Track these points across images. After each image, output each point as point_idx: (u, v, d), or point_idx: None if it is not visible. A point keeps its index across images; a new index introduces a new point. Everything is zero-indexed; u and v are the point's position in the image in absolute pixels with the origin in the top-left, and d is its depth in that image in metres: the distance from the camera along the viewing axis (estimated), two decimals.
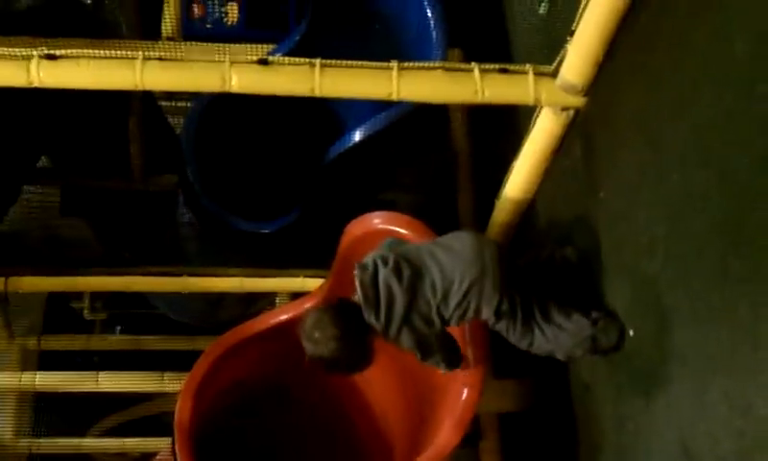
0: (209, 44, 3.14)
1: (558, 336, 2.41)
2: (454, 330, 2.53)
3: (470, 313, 2.36)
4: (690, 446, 1.96)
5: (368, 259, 2.39)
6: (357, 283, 2.35)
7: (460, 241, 2.40)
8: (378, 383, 3.19)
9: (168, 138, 4.27)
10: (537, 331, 2.42)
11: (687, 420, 1.98)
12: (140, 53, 2.21)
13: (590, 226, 2.54)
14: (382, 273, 2.34)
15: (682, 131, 1.97)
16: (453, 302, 2.32)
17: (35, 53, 2.19)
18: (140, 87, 2.22)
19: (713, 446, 1.86)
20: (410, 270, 2.33)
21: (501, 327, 2.43)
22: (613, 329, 2.34)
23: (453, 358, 2.52)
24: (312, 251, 3.40)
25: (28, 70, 2.20)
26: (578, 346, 2.41)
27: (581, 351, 2.42)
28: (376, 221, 2.86)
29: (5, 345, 4.76)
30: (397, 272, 2.33)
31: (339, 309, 2.39)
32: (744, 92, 1.72)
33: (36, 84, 2.20)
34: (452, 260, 2.34)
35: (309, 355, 2.43)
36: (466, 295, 2.31)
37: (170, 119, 4.65)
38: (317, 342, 2.38)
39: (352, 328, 2.37)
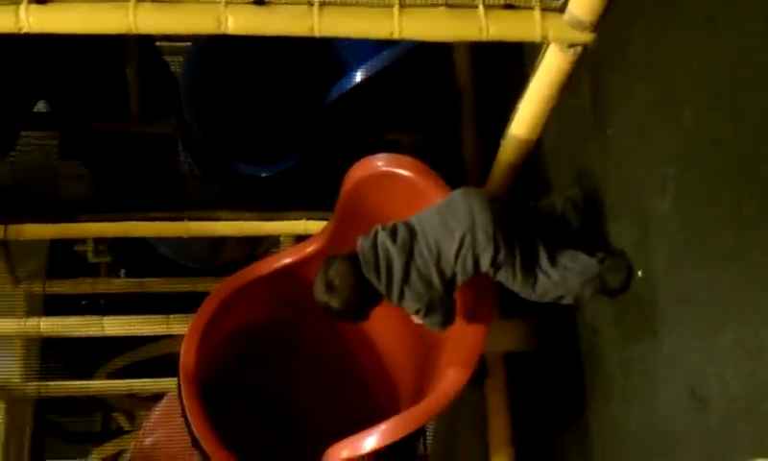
0: None
1: (565, 278, 2.39)
2: None
3: (469, 267, 2.35)
4: (699, 388, 1.95)
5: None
6: (358, 250, 2.40)
7: (450, 198, 2.44)
8: (383, 327, 3.18)
9: (166, 80, 4.21)
10: (541, 277, 2.39)
11: (696, 362, 1.96)
12: None
13: (598, 165, 2.49)
14: (380, 236, 2.39)
15: (694, 67, 1.91)
16: (449, 256, 2.33)
17: None
18: (133, 31, 2.15)
19: (723, 388, 1.85)
20: (405, 231, 2.38)
21: (502, 277, 2.41)
22: (622, 268, 2.31)
23: (449, 320, 2.51)
24: (315, 193, 3.37)
25: (17, 15, 2.13)
26: (586, 286, 2.38)
27: (589, 291, 2.40)
28: (379, 163, 2.82)
29: (9, 290, 4.77)
30: (393, 234, 2.38)
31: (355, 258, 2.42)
32: (760, 25, 1.66)
33: (25, 30, 2.13)
34: (443, 217, 2.38)
35: (320, 300, 2.47)
36: (459, 248, 2.32)
37: (168, 59, 4.57)
38: (334, 289, 2.42)
39: (367, 285, 2.41)
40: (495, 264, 2.35)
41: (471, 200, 2.36)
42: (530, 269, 2.38)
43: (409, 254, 2.36)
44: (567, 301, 2.45)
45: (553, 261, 2.38)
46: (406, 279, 2.37)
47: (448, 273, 2.36)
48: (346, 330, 3.26)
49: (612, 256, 2.35)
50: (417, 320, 2.51)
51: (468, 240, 2.31)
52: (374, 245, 2.39)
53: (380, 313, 3.00)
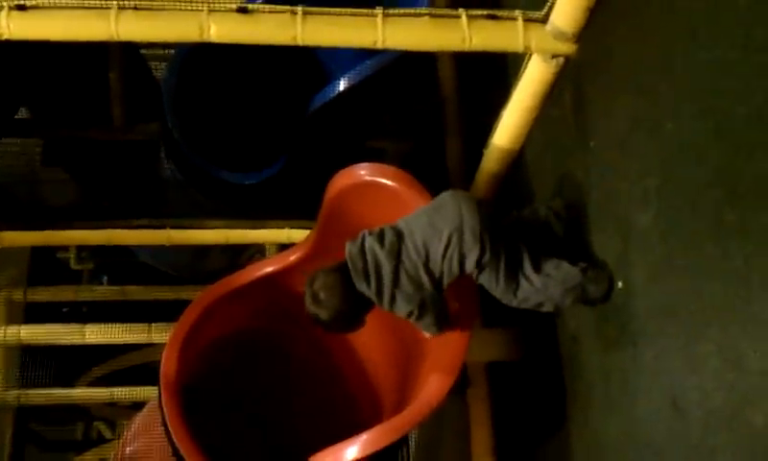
0: None
1: (547, 285, 2.39)
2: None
3: (455, 267, 2.34)
4: (679, 399, 1.95)
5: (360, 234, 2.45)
6: (346, 256, 2.38)
7: (438, 199, 2.43)
8: (367, 335, 3.15)
9: (149, 87, 4.18)
10: (524, 282, 2.39)
11: (677, 373, 1.97)
12: (114, 2, 2.12)
13: (581, 176, 2.50)
14: (367, 241, 2.38)
15: (676, 79, 1.92)
16: (437, 256, 2.33)
17: (4, 3, 2.10)
18: (115, 38, 2.14)
19: (703, 399, 1.85)
20: (393, 234, 2.37)
21: (484, 279, 2.40)
22: (603, 279, 2.32)
23: (443, 321, 2.51)
24: (298, 202, 3.36)
25: None
26: (567, 294, 2.39)
27: (570, 300, 2.40)
28: (362, 172, 2.81)
29: None
30: (380, 238, 2.37)
31: (347, 273, 2.40)
32: (741, 39, 1.67)
33: (6, 37, 2.12)
34: (431, 217, 2.37)
35: (308, 312, 2.47)
36: (447, 247, 2.31)
37: (151, 65, 4.55)
38: (320, 302, 2.42)
39: (356, 294, 2.40)
40: (480, 265, 2.34)
41: (460, 201, 2.37)
42: (513, 273, 2.38)
43: (397, 257, 2.35)
44: (547, 308, 2.45)
45: (536, 268, 2.38)
46: (396, 282, 2.36)
47: (437, 273, 2.36)
48: (329, 339, 3.25)
49: (593, 267, 2.36)
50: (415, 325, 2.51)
51: (455, 239, 2.31)
52: (362, 250, 2.38)
53: (366, 321, 3.01)
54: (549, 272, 2.38)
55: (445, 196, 2.42)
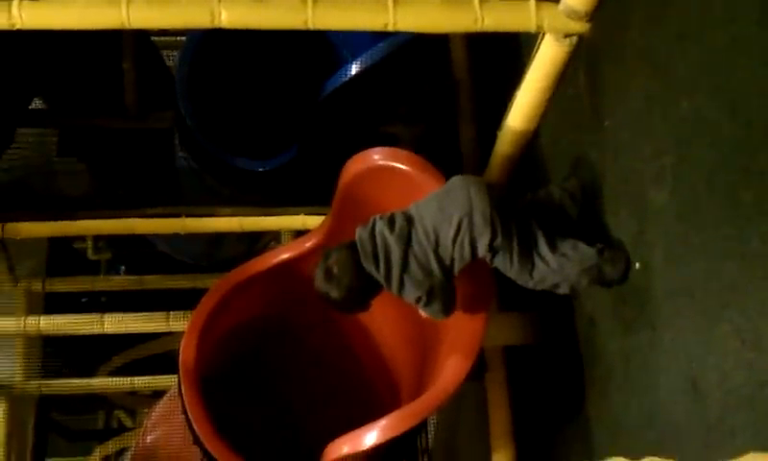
0: None
1: (563, 265, 2.37)
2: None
3: (467, 252, 2.33)
4: (699, 380, 1.94)
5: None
6: (357, 240, 2.39)
7: (448, 184, 2.43)
8: (383, 321, 3.17)
9: (162, 75, 4.19)
10: (539, 263, 2.37)
11: (696, 354, 1.95)
12: None
13: (595, 156, 2.48)
14: (377, 226, 2.38)
15: (691, 57, 1.89)
16: (447, 242, 2.32)
17: None
18: (127, 26, 2.14)
19: (722, 379, 1.84)
20: (403, 219, 2.37)
21: (499, 262, 2.39)
22: (620, 259, 2.30)
23: (450, 308, 2.50)
24: (312, 188, 3.35)
25: (9, 11, 2.12)
26: (583, 275, 2.37)
27: (586, 281, 2.38)
28: (376, 157, 2.80)
29: (9, 289, 4.76)
30: (390, 223, 2.37)
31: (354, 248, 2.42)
32: (756, 14, 1.65)
33: (18, 26, 2.13)
34: (440, 202, 2.37)
35: (320, 290, 2.47)
36: (457, 232, 2.31)
37: (164, 53, 4.56)
38: (333, 277, 2.43)
39: (367, 274, 2.40)
40: (493, 248, 2.33)
41: (470, 185, 2.35)
42: (527, 254, 2.36)
43: (407, 242, 2.35)
44: (563, 290, 2.43)
45: (551, 248, 2.37)
46: (405, 267, 2.35)
47: (447, 259, 2.35)
48: (346, 325, 3.25)
49: (610, 248, 2.34)
50: (421, 312, 2.50)
51: (465, 224, 2.30)
52: (372, 235, 2.38)
53: (380, 307, 3.00)
54: (565, 252, 2.37)
55: (455, 181, 2.42)
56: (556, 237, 2.39)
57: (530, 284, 2.43)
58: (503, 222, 2.31)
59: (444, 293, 2.42)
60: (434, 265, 2.35)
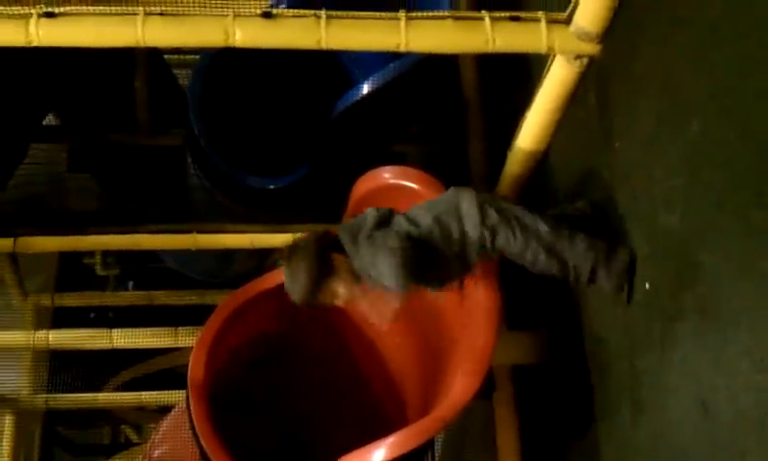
0: None
1: (563, 242, 2.37)
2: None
3: (456, 239, 2.33)
4: (709, 401, 1.94)
5: None
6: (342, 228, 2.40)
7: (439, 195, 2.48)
8: (392, 339, 3.18)
9: (175, 93, 4.22)
10: (541, 233, 2.36)
11: (706, 375, 1.95)
12: (141, 8, 2.15)
13: (605, 177, 2.49)
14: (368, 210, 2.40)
15: (701, 79, 1.91)
16: (424, 223, 2.33)
17: (33, 11, 2.14)
18: (142, 44, 2.16)
19: (732, 400, 1.84)
20: (388, 210, 2.39)
21: (501, 241, 2.36)
22: (624, 253, 2.31)
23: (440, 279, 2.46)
24: (323, 206, 3.37)
25: (27, 29, 2.14)
26: (586, 256, 2.36)
27: (589, 264, 2.36)
28: (386, 175, 2.83)
29: (19, 303, 4.78)
30: (377, 209, 2.39)
31: (319, 237, 2.39)
32: (766, 37, 1.66)
33: (35, 44, 2.15)
34: (429, 204, 2.44)
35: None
36: (439, 221, 2.32)
37: (176, 72, 4.59)
38: (287, 260, 2.39)
39: (320, 260, 2.34)
40: (487, 226, 2.33)
41: (458, 190, 2.42)
42: (528, 227, 2.36)
43: (385, 221, 2.35)
44: (566, 272, 2.40)
45: (552, 226, 2.37)
46: (374, 232, 2.33)
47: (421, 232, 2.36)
48: (355, 341, 3.26)
49: (612, 252, 2.35)
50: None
51: (452, 211, 2.34)
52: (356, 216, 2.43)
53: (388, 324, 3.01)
54: (565, 230, 2.38)
55: (447, 191, 2.47)
56: (561, 223, 2.40)
57: (533, 264, 2.40)
58: (494, 205, 2.35)
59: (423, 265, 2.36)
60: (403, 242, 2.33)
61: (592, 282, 2.40)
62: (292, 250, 2.40)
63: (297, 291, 2.39)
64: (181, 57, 4.68)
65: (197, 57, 3.99)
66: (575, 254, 2.37)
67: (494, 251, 2.39)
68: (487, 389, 3.28)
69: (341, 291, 2.38)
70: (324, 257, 2.34)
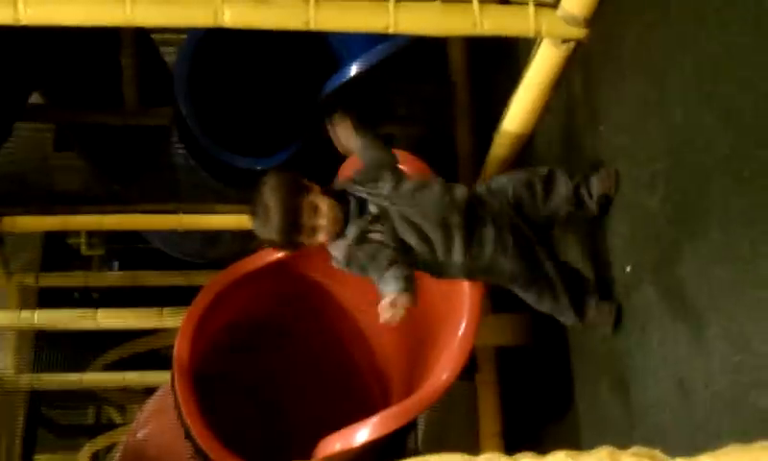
0: None
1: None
2: None
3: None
4: (686, 381, 1.97)
5: None
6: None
7: None
8: (376, 320, 3.19)
9: (161, 72, 4.21)
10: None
11: (684, 356, 1.98)
12: None
13: (590, 160, 2.51)
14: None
15: (685, 65, 1.93)
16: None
17: None
18: (130, 23, 2.17)
19: (709, 382, 1.87)
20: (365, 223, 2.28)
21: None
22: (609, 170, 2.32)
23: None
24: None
25: (15, 7, 2.14)
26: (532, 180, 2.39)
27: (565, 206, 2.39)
28: None
29: (2, 283, 4.76)
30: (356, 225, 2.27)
31: (286, 175, 2.28)
32: (751, 25, 1.68)
33: (23, 22, 2.15)
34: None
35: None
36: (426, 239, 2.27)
37: (162, 50, 4.57)
38: (257, 193, 2.27)
39: (284, 194, 2.21)
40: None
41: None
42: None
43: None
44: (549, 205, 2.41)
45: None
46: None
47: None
48: (339, 324, 3.29)
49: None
50: None
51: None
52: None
53: (372, 305, 3.02)
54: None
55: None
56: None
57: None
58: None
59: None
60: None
61: (580, 208, 2.40)
62: (258, 192, 2.25)
63: (271, 231, 2.21)
64: (168, 35, 4.66)
65: (183, 35, 3.98)
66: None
67: None
68: (469, 370, 3.32)
69: (321, 212, 2.21)
70: (297, 186, 2.21)
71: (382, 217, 2.24)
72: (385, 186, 2.28)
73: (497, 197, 2.37)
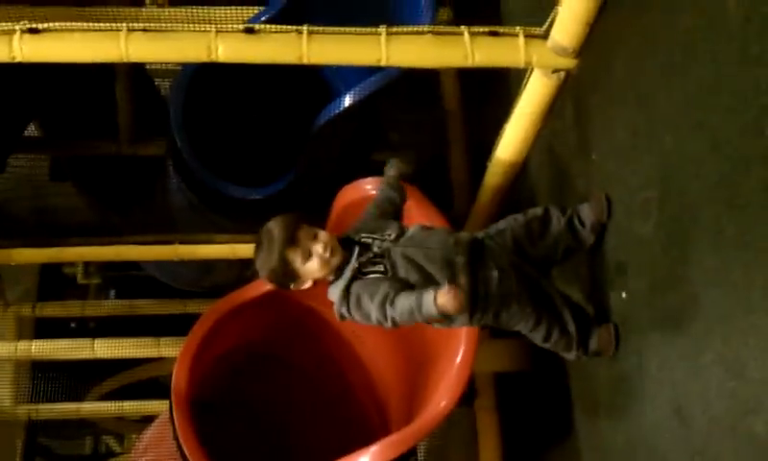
0: (194, 9, 3.07)
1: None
2: None
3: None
4: (683, 407, 1.98)
5: None
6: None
7: None
8: (375, 346, 3.21)
9: (156, 103, 4.22)
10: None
11: (681, 381, 2.00)
12: (124, 24, 2.17)
13: (582, 188, 2.53)
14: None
15: (674, 93, 1.95)
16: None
17: (17, 27, 2.15)
18: (125, 60, 2.18)
19: (706, 407, 1.88)
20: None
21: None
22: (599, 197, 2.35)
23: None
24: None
25: (10, 45, 2.16)
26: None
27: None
28: (368, 187, 2.85)
29: (0, 313, 4.76)
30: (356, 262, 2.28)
31: (289, 217, 2.29)
32: (736, 54, 1.71)
33: (18, 59, 2.17)
34: None
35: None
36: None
37: (159, 82, 4.59)
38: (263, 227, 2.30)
39: (288, 221, 2.25)
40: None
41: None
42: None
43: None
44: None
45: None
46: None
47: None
48: (338, 351, 3.29)
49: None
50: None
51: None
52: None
53: (372, 332, 3.04)
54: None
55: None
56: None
57: None
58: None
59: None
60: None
61: (576, 240, 2.42)
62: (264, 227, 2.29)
63: (266, 268, 2.24)
64: (163, 67, 4.68)
65: (179, 66, 4.00)
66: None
67: None
68: (469, 396, 3.32)
69: (319, 236, 2.23)
70: (294, 230, 2.22)
71: (384, 256, 2.25)
72: (391, 234, 2.30)
73: (497, 240, 2.39)
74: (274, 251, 2.21)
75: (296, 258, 2.21)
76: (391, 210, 2.43)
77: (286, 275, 2.25)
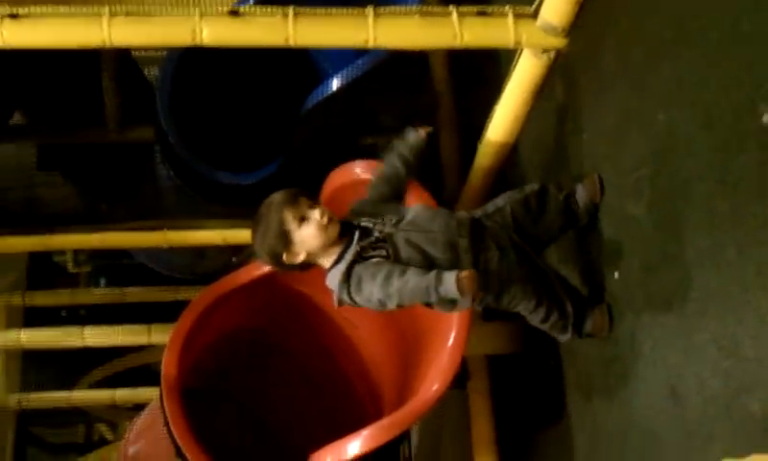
0: None
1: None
2: None
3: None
4: (678, 387, 1.97)
5: None
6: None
7: None
8: (367, 331, 3.20)
9: (143, 89, 4.18)
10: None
11: (674, 362, 1.99)
12: (106, 8, 2.13)
13: (574, 168, 2.52)
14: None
15: (666, 71, 1.93)
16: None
17: None
18: (108, 45, 2.15)
19: (700, 387, 1.87)
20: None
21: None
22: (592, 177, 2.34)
23: None
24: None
25: None
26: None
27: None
28: (358, 170, 2.83)
29: None
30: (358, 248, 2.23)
31: (290, 189, 2.27)
32: (728, 31, 1.69)
33: (0, 46, 2.14)
34: None
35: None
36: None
37: (146, 69, 4.55)
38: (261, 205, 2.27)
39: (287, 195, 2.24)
40: None
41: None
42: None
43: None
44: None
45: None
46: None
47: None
48: (329, 336, 3.27)
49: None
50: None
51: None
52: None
53: (364, 317, 3.03)
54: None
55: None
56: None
57: None
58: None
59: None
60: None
61: (571, 219, 2.41)
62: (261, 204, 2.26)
63: (262, 231, 2.21)
64: (150, 54, 4.64)
65: (165, 51, 3.96)
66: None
67: None
68: (461, 379, 3.32)
69: (317, 205, 2.22)
70: (295, 195, 2.21)
71: (386, 241, 2.21)
72: (392, 218, 2.26)
73: (496, 219, 2.36)
74: (272, 212, 2.19)
75: (293, 221, 2.18)
76: (392, 190, 2.37)
77: (281, 238, 2.19)
